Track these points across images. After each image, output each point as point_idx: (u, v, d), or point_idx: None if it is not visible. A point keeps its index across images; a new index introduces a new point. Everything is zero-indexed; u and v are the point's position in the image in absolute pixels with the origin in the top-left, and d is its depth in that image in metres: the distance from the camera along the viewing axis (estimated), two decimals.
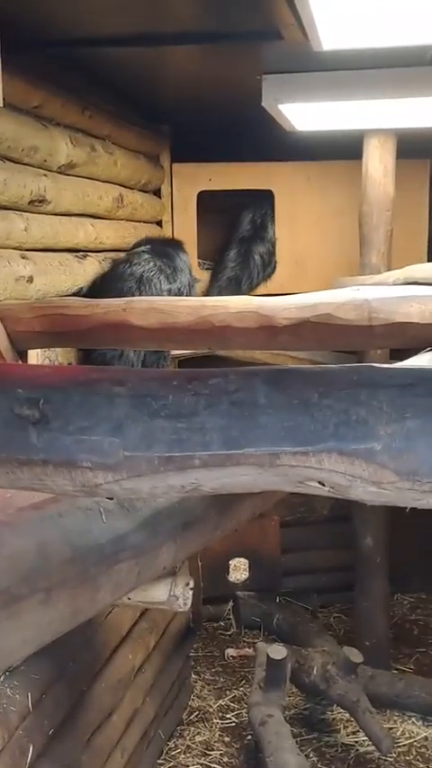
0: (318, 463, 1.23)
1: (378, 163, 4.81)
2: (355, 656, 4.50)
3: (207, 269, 5.84)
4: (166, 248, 4.96)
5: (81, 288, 4.19)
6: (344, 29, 2.80)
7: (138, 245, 4.94)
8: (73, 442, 1.30)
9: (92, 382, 1.36)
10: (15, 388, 1.35)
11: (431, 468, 1.22)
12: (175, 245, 5.07)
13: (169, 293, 4.69)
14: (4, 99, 3.32)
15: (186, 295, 4.92)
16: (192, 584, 2.16)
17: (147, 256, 4.74)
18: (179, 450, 1.26)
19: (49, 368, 1.54)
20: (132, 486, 1.30)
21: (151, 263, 4.70)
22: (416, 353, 3.00)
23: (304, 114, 4.18)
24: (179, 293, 4.80)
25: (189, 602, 2.15)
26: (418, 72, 3.63)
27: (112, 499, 1.55)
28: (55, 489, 1.38)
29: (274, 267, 5.77)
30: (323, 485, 1.27)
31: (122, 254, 4.80)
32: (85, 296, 4.08)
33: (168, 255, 4.89)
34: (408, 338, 3.04)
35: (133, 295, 4.43)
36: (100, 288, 4.38)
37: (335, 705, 4.72)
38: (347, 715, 4.61)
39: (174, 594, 2.12)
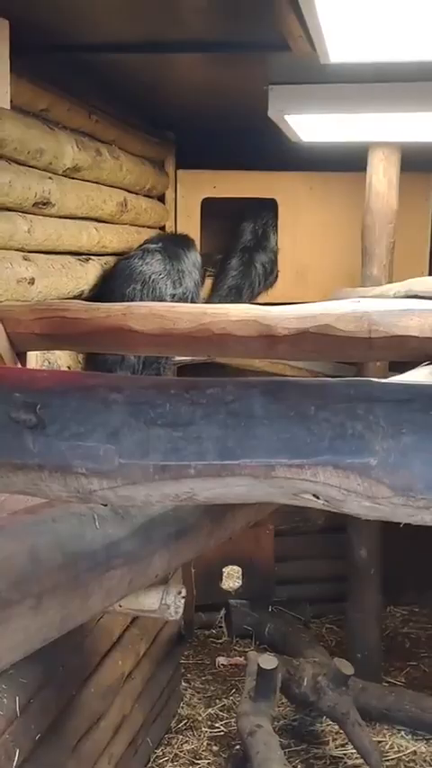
0: (313, 476, 1.23)
1: (382, 175, 4.82)
2: (346, 667, 4.49)
3: (209, 276, 5.85)
4: (176, 248, 4.96)
5: (82, 291, 4.19)
6: (351, 42, 2.81)
7: (150, 241, 4.94)
8: (68, 448, 1.30)
9: (89, 388, 1.36)
10: (12, 392, 1.35)
11: (426, 484, 1.22)
12: (185, 243, 5.06)
13: (173, 299, 4.69)
14: (11, 101, 3.34)
15: (192, 299, 4.92)
16: (184, 593, 2.15)
17: (159, 256, 4.74)
18: (175, 458, 1.26)
19: (46, 372, 1.54)
20: (127, 493, 1.30)
21: (161, 266, 4.70)
22: (415, 366, 3.00)
23: (309, 125, 4.20)
24: (183, 298, 4.80)
25: (180, 611, 2.15)
26: (424, 87, 3.65)
27: (105, 505, 1.54)
28: (49, 494, 1.38)
29: (276, 276, 5.78)
30: (318, 498, 1.27)
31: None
32: (88, 297, 4.08)
33: (178, 257, 4.89)
34: (407, 351, 3.04)
35: (135, 297, 4.43)
36: (104, 286, 4.38)
37: (324, 717, 4.71)
38: (337, 727, 4.60)
39: (165, 603, 2.12)
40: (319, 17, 2.54)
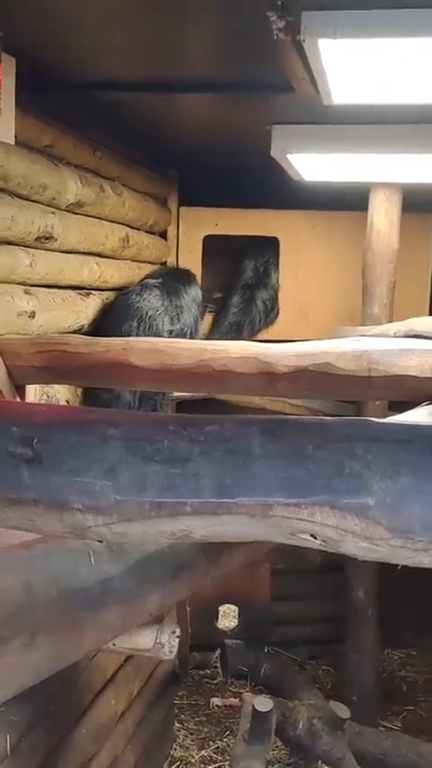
0: (310, 516, 1.22)
1: (383, 215, 4.86)
2: (342, 711, 4.43)
3: (210, 312, 5.86)
4: (176, 284, 4.97)
5: (83, 325, 4.19)
6: (353, 85, 2.84)
7: (150, 276, 4.95)
8: (65, 483, 1.29)
9: (87, 423, 1.35)
10: (10, 426, 1.35)
11: (424, 526, 1.20)
12: (185, 278, 5.08)
13: (170, 335, 4.69)
14: (16, 136, 3.37)
15: (190, 335, 4.93)
16: (178, 633, 2.12)
17: (157, 292, 4.75)
18: (171, 495, 1.25)
19: (44, 407, 1.53)
20: (123, 530, 1.28)
21: (159, 302, 4.70)
22: (414, 406, 2.99)
23: (312, 165, 4.23)
24: (181, 334, 4.80)
25: (175, 650, 2.12)
26: (425, 129, 3.68)
27: (101, 542, 1.53)
28: (44, 530, 1.36)
29: (277, 313, 5.80)
30: (315, 537, 1.26)
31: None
32: (87, 332, 4.08)
33: (177, 292, 4.90)
34: (406, 391, 3.04)
35: (132, 334, 4.43)
36: (103, 321, 4.37)
37: (319, 761, 4.63)
38: None
39: (160, 642, 2.09)
40: (323, 60, 2.58)
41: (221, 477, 1.25)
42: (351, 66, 2.64)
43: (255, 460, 1.25)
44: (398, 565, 1.33)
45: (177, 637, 2.11)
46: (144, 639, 2.10)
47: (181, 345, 3.39)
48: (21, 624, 1.42)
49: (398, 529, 1.18)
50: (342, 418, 1.30)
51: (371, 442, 1.22)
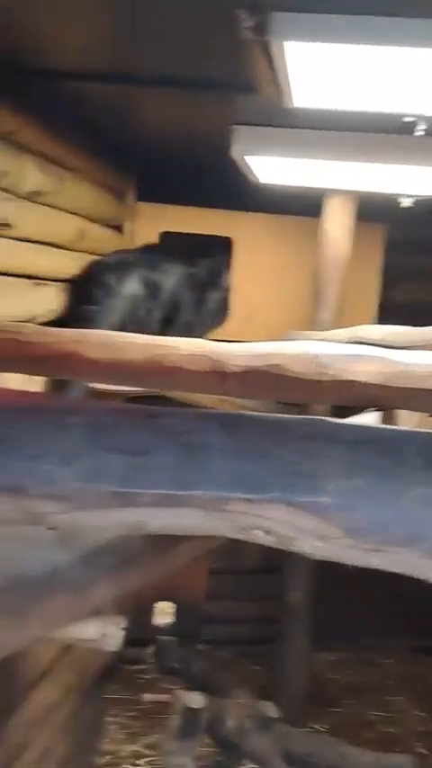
0: (265, 512, 1.23)
1: (337, 222, 4.91)
2: (272, 710, 4.47)
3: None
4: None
5: (35, 316, 4.16)
6: (317, 89, 2.87)
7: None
8: (22, 469, 1.29)
9: (47, 410, 1.35)
10: None
11: (375, 527, 1.23)
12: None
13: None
14: None
15: None
16: (123, 625, 2.13)
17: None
18: (129, 486, 1.26)
19: (3, 391, 1.53)
20: (79, 518, 1.28)
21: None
22: (356, 412, 3.04)
23: (270, 168, 4.26)
24: None
25: (119, 642, 2.12)
26: (385, 139, 3.73)
27: (53, 529, 1.52)
28: None
29: (227, 314, 5.82)
30: (268, 534, 1.27)
31: None
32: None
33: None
34: (353, 396, 3.07)
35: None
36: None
37: (247, 759, 4.67)
38: None
39: (105, 633, 2.09)
40: (288, 62, 2.60)
41: (179, 470, 1.26)
42: (316, 70, 2.67)
43: (212, 454, 1.26)
44: (345, 566, 1.35)
45: (123, 629, 2.12)
46: (89, 630, 2.10)
47: (133, 340, 3.38)
48: None
49: (350, 529, 1.21)
50: (300, 416, 1.32)
51: (328, 441, 1.24)
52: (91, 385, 4.60)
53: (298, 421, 1.31)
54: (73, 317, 4.56)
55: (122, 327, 4.77)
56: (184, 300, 5.17)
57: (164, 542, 1.88)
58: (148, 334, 4.93)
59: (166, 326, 5.49)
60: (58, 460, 1.27)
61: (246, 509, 1.24)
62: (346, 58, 2.52)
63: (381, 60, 2.48)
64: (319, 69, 2.65)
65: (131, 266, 4.94)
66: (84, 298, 4.68)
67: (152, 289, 4.96)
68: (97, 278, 4.81)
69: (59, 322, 4.44)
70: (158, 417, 1.31)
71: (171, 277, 5.13)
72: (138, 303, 4.78)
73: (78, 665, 4.10)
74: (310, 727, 5.24)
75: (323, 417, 1.34)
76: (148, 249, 5.35)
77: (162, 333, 5.16)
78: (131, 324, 4.77)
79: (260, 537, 1.29)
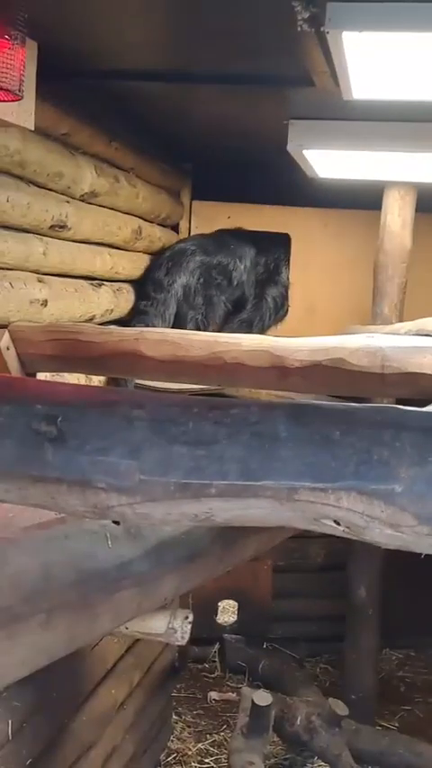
0: (336, 501, 1.21)
1: (397, 215, 4.84)
2: (341, 708, 4.42)
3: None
4: None
5: (94, 315, 4.19)
6: (376, 80, 2.84)
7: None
8: (89, 462, 1.29)
9: (112, 403, 1.34)
10: (34, 404, 1.34)
11: None
12: None
13: None
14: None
15: None
16: (191, 618, 2.12)
17: None
18: (196, 477, 1.25)
19: (69, 386, 1.53)
20: (146, 510, 1.28)
21: None
22: (424, 405, 2.98)
23: (328, 161, 4.23)
24: None
25: (187, 636, 2.12)
26: None
27: (118, 524, 1.52)
28: (65, 509, 1.36)
29: (287, 311, 5.80)
30: (339, 524, 1.25)
31: None
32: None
33: None
34: (419, 389, 3.03)
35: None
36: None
37: (316, 757, 4.63)
38: None
39: (172, 627, 2.09)
40: (346, 54, 2.57)
41: (247, 461, 1.24)
42: (374, 60, 2.63)
43: (281, 444, 1.24)
44: (411, 562, 1.33)
45: (190, 623, 2.11)
46: (157, 624, 2.10)
47: (194, 337, 3.39)
48: (38, 604, 1.41)
49: (424, 516, 1.18)
50: (369, 405, 1.30)
51: (399, 428, 1.21)
52: (148, 384, 4.64)
53: (367, 409, 1.28)
54: (134, 313, 4.67)
55: (182, 318, 4.83)
56: (244, 294, 5.22)
57: (230, 537, 1.87)
58: (212, 322, 5.06)
59: (231, 316, 5.54)
60: (123, 453, 1.27)
61: (316, 498, 1.22)
62: (404, 46, 2.48)
63: None
64: (378, 59, 2.62)
65: (186, 258, 5.00)
66: (140, 294, 4.79)
67: (213, 277, 5.04)
68: (148, 274, 4.89)
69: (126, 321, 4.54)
70: (224, 409, 1.29)
71: (235, 267, 5.21)
72: (191, 293, 4.85)
73: (142, 664, 4.12)
74: (380, 725, 5.17)
75: (392, 405, 1.32)
76: (206, 239, 5.40)
77: (225, 323, 5.22)
78: (192, 312, 4.85)
79: (331, 527, 1.27)
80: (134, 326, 4.34)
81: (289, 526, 1.32)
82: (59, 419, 1.32)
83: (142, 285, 4.87)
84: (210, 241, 5.33)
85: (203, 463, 1.25)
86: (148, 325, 4.49)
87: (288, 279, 5.78)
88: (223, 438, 1.26)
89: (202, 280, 5.02)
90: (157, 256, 5.08)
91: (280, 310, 5.78)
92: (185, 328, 4.71)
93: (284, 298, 5.78)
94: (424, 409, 1.29)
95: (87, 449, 1.29)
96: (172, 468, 1.26)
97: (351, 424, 1.24)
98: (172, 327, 4.75)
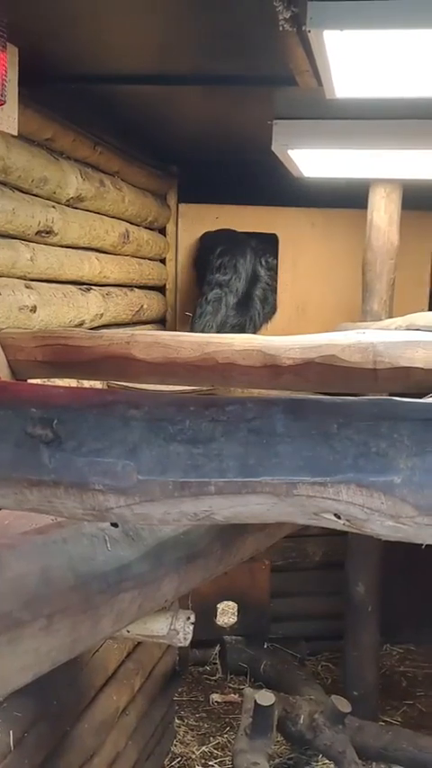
0: (335, 494, 1.21)
1: (383, 212, 4.85)
2: (344, 705, 4.42)
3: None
4: None
5: (83, 320, 4.18)
6: (358, 78, 2.84)
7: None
8: (86, 464, 1.28)
9: (107, 404, 1.34)
10: (29, 407, 1.34)
11: None
12: None
13: None
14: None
15: None
16: (193, 619, 2.11)
17: None
18: (194, 475, 1.24)
19: (63, 388, 1.52)
20: (145, 511, 1.27)
21: None
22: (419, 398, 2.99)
23: (313, 161, 4.23)
24: None
25: (189, 637, 2.11)
26: (428, 124, 3.68)
27: (117, 526, 1.52)
28: (63, 512, 1.35)
29: (273, 307, 5.79)
30: (339, 517, 1.25)
31: None
32: None
33: None
34: (411, 383, 3.03)
35: None
36: None
37: (321, 755, 4.63)
38: (333, 766, 4.51)
39: (174, 629, 2.08)
40: (328, 52, 2.57)
41: (245, 457, 1.24)
42: (356, 58, 2.64)
43: (278, 440, 1.24)
44: (409, 557, 1.32)
45: (192, 624, 2.10)
46: (159, 626, 2.09)
47: (185, 338, 3.38)
48: (38, 609, 1.40)
49: (425, 507, 1.18)
50: (365, 398, 1.29)
51: (397, 420, 1.21)
52: (139, 387, 4.64)
53: (363, 402, 1.28)
54: None
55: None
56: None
57: (229, 536, 1.86)
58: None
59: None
60: (120, 454, 1.26)
61: (316, 492, 1.22)
62: (385, 44, 2.48)
63: (420, 44, 2.44)
64: (359, 57, 2.62)
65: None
66: None
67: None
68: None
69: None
70: (221, 406, 1.29)
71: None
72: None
73: (143, 669, 4.10)
74: (383, 721, 5.17)
75: (388, 397, 1.32)
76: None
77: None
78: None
79: (331, 521, 1.26)
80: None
81: (289, 521, 1.31)
82: (54, 422, 1.31)
83: None
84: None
85: (201, 461, 1.24)
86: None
87: (275, 279, 5.78)
88: (220, 435, 1.26)
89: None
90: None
91: (266, 306, 5.77)
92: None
93: (266, 292, 5.76)
94: (420, 400, 1.28)
95: (84, 451, 1.28)
96: (170, 468, 1.25)
97: (348, 418, 1.24)
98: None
